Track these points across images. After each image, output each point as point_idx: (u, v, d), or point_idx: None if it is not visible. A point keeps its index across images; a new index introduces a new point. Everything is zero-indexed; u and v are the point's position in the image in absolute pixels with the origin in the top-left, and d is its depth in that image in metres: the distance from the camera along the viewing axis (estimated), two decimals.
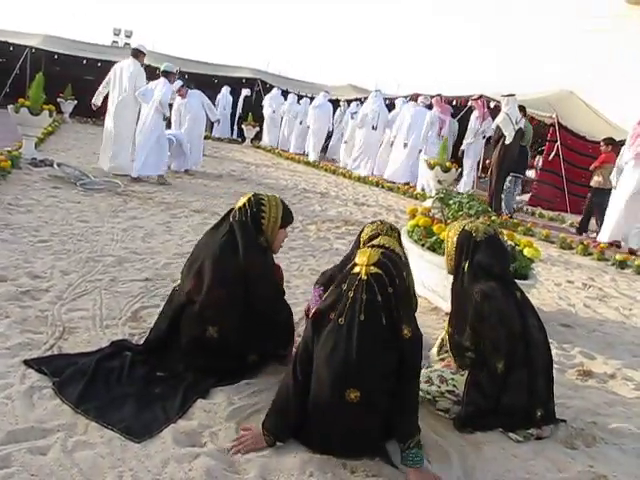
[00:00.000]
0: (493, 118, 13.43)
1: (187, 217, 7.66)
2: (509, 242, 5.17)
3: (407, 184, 14.54)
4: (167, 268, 5.18)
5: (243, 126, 22.38)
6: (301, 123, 21.06)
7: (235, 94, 23.92)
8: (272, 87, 24.51)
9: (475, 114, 14.60)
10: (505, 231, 5.88)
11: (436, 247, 5.13)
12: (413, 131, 15.22)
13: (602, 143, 11.61)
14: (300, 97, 23.23)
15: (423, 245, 5.29)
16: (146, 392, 3.05)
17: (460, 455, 2.89)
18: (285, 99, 22.89)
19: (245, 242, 3.32)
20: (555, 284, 6.91)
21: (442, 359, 3.42)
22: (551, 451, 3.02)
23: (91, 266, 4.97)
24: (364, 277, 2.63)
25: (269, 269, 3.49)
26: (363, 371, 2.57)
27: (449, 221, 5.28)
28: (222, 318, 3.26)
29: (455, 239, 3.37)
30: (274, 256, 3.58)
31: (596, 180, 11.23)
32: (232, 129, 24.61)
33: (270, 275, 3.48)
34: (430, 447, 2.89)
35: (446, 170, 11.25)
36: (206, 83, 22.99)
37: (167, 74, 10.45)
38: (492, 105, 15.50)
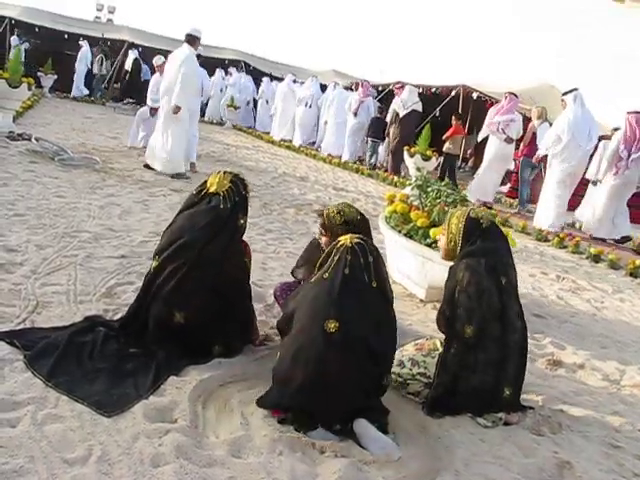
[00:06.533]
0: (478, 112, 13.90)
1: (165, 196, 7.62)
2: None
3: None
4: (143, 246, 5.16)
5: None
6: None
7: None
8: (256, 69, 24.46)
9: (396, 99, 15.49)
10: None
11: (413, 234, 5.15)
12: (335, 110, 17.56)
13: (454, 117, 13.79)
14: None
15: (400, 232, 5.31)
16: (118, 368, 3.05)
17: (429, 439, 2.93)
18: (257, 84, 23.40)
19: (231, 228, 3.41)
20: (529, 275, 6.97)
21: (415, 343, 3.45)
22: (518, 437, 3.07)
23: (67, 241, 4.94)
24: (349, 245, 2.95)
25: (242, 253, 3.54)
26: (343, 306, 2.80)
27: (426, 208, 5.30)
28: (189, 303, 3.26)
29: (462, 226, 3.40)
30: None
31: (447, 147, 13.53)
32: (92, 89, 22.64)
33: (242, 259, 3.53)
34: (399, 431, 2.93)
35: (426, 158, 11.30)
36: None
37: (193, 39, 9.22)
38: (475, 96, 15.60)
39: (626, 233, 10.22)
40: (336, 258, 2.93)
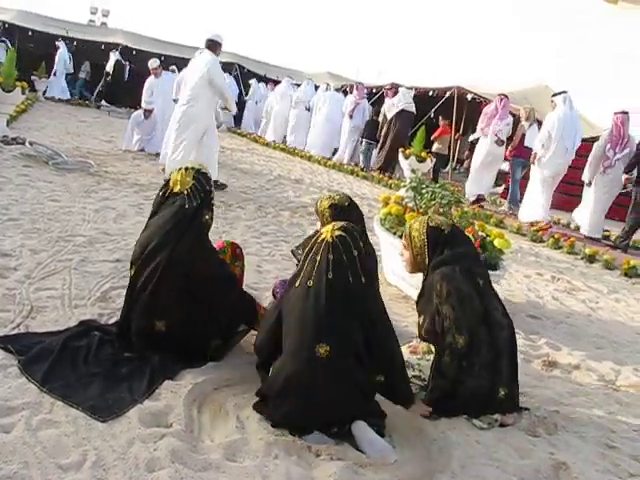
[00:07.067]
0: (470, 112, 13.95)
1: None
2: (480, 233, 5.20)
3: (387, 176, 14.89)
4: None
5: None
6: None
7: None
8: (249, 72, 24.42)
9: (386, 100, 15.62)
10: (477, 222, 5.92)
11: None
12: (327, 112, 17.70)
13: (441, 118, 14.89)
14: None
15: (394, 233, 5.31)
16: (113, 372, 3.03)
17: (424, 442, 2.92)
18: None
19: (196, 226, 3.33)
20: (524, 276, 6.99)
21: (409, 346, 3.45)
22: (514, 438, 3.07)
23: (61, 246, 4.92)
24: (329, 240, 2.80)
25: (212, 248, 3.49)
26: (332, 326, 2.69)
27: (421, 210, 5.31)
28: (167, 310, 3.22)
29: (424, 237, 3.41)
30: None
31: (437, 147, 14.44)
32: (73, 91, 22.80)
33: (213, 254, 3.47)
34: (395, 433, 2.92)
35: (421, 160, 11.29)
36: (184, 66, 22.68)
37: (214, 44, 8.81)
38: (469, 97, 15.61)
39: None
40: (318, 258, 2.78)
